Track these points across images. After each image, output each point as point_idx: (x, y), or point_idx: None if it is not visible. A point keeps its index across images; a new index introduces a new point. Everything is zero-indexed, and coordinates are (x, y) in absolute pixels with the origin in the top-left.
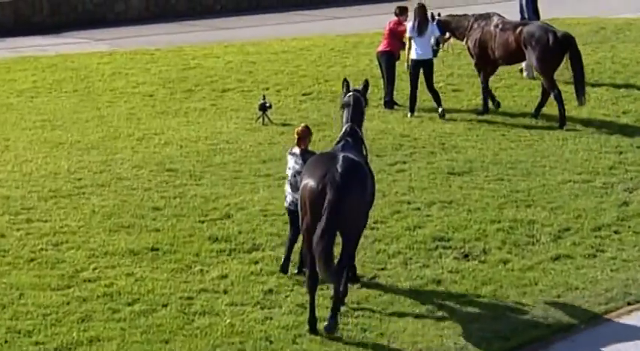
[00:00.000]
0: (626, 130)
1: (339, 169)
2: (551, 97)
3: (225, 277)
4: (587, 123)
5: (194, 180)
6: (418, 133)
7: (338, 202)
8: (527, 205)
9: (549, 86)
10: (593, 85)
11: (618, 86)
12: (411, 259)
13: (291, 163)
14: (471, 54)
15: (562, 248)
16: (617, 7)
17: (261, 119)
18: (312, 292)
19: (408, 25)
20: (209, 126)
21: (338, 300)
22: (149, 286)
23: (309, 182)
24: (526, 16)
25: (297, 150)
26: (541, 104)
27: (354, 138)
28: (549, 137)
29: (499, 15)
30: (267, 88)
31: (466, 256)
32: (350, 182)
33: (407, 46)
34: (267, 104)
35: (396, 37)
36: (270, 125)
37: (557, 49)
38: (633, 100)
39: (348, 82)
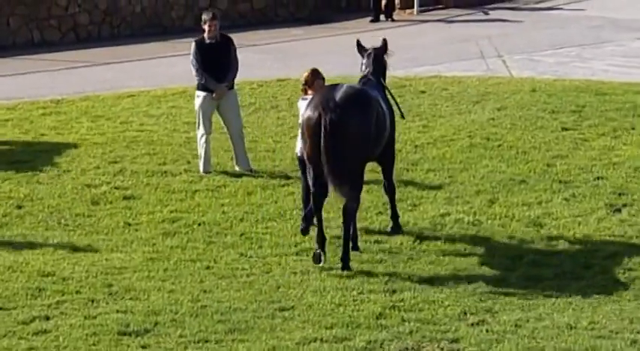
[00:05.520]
0: (401, 256)
1: (336, 95)
2: None
3: None
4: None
5: None
6: (69, 268)
7: (332, 124)
8: None
9: None
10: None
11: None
12: None
13: (303, 110)
14: None
15: None
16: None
17: None
18: (318, 210)
19: None
20: None
21: (347, 235)
22: None
23: (307, 112)
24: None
25: (309, 96)
26: None
27: (377, 79)
28: (280, 268)
29: None
30: None
31: None
32: (346, 106)
33: None
34: None
35: None
36: None
37: None
38: (410, 208)
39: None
